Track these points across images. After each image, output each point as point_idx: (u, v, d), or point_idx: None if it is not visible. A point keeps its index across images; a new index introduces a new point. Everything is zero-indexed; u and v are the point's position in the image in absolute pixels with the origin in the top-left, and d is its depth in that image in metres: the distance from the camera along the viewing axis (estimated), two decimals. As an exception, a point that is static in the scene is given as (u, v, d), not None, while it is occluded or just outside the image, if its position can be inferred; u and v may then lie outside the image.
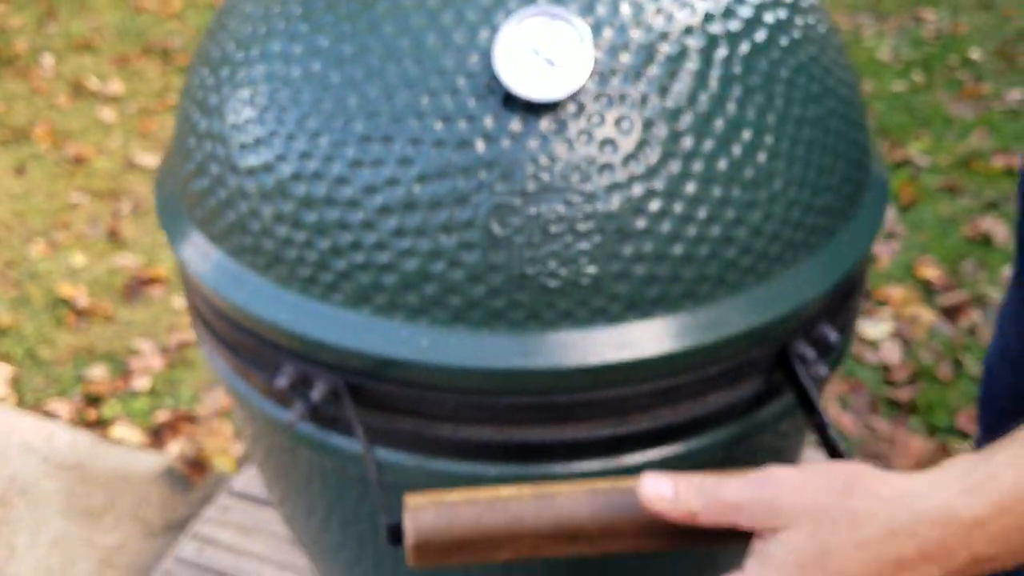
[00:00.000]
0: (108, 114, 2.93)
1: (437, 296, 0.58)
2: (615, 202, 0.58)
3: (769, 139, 0.62)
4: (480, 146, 0.57)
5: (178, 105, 0.72)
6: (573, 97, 0.57)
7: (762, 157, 0.61)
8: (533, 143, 0.57)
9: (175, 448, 1.92)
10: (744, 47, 0.62)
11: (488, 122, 0.57)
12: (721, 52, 0.61)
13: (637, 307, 0.59)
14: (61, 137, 2.83)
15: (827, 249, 0.66)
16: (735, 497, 0.50)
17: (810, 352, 0.65)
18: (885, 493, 0.47)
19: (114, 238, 2.44)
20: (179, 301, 2.26)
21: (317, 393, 0.61)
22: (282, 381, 0.62)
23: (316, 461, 0.69)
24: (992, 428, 1.02)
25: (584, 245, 0.58)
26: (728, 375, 0.64)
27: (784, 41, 0.64)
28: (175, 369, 2.09)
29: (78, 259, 2.36)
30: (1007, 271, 2.26)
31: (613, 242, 0.58)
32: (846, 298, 0.70)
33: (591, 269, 0.58)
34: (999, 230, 2.40)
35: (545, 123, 0.57)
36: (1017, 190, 0.91)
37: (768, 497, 0.49)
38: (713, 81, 0.60)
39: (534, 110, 0.57)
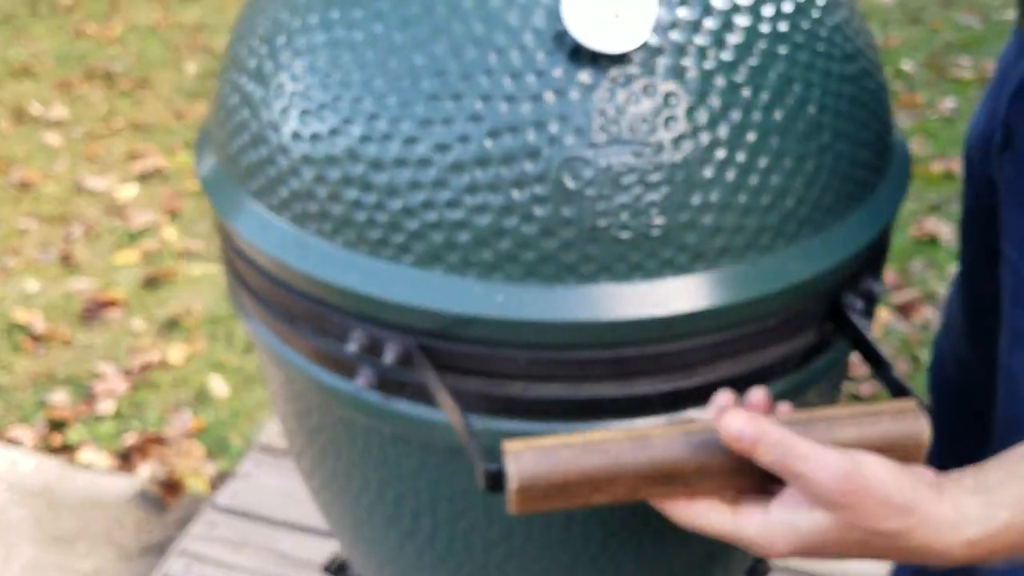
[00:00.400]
0: (53, 139, 2.87)
1: (510, 252, 0.59)
2: (683, 151, 0.59)
3: (816, 93, 0.64)
4: (550, 99, 0.58)
5: (221, 81, 0.72)
6: (639, 49, 0.59)
7: (812, 109, 0.63)
8: (602, 95, 0.58)
9: (145, 471, 1.87)
10: (787, 5, 0.64)
11: (557, 76, 0.58)
12: (768, 10, 0.63)
13: (704, 257, 0.61)
14: (5, 163, 2.76)
15: (870, 202, 0.68)
16: (799, 470, 0.53)
17: (858, 303, 0.67)
18: (911, 521, 0.53)
19: (67, 262, 2.38)
20: (138, 323, 2.21)
21: (389, 356, 0.61)
22: (352, 347, 0.62)
23: (376, 431, 0.69)
24: (939, 395, 1.09)
25: (654, 196, 0.59)
26: (785, 327, 0.65)
27: (821, 1, 0.67)
28: (139, 391, 2.05)
29: (31, 284, 2.30)
30: (954, 268, 2.34)
31: (682, 192, 0.59)
32: (880, 252, 0.72)
33: (661, 220, 0.59)
34: (943, 230, 2.48)
35: (613, 75, 0.58)
36: (963, 171, 0.96)
37: (827, 487, 0.53)
38: (763, 36, 0.62)
39: (602, 62, 0.58)
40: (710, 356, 0.63)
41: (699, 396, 0.65)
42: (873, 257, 0.69)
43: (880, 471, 0.52)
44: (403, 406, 0.65)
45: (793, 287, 0.63)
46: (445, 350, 0.61)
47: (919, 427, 0.56)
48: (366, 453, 0.72)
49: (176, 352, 2.15)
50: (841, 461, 0.52)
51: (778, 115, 0.62)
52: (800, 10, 0.65)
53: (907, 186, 0.73)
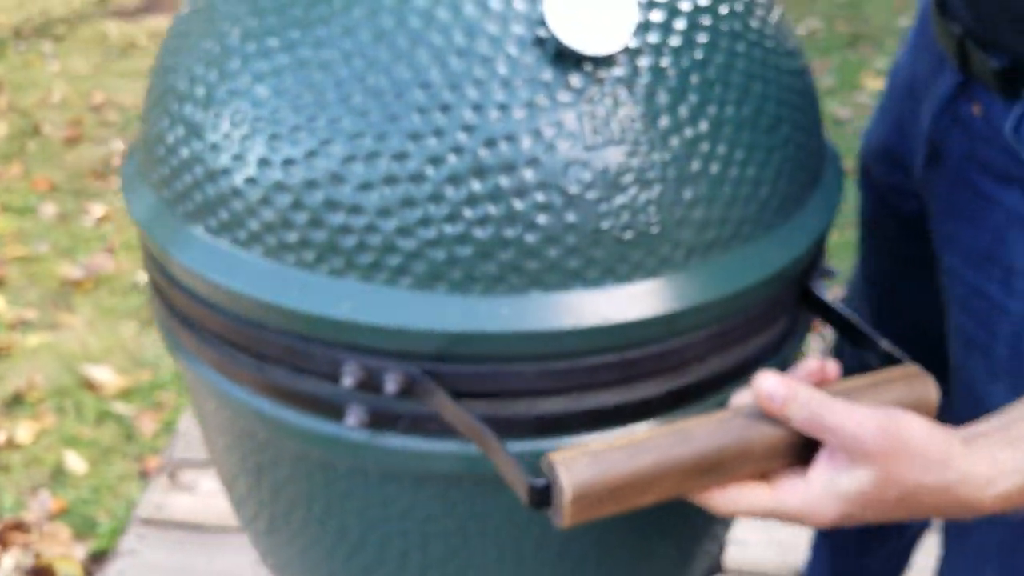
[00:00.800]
0: None
1: (514, 263, 0.57)
2: (671, 148, 0.59)
3: (773, 88, 0.66)
4: (543, 104, 0.57)
5: (154, 115, 0.67)
6: (623, 50, 0.59)
7: (772, 104, 0.65)
8: (592, 97, 0.58)
9: (9, 561, 1.72)
10: (739, 5, 0.66)
11: (547, 80, 0.57)
12: (723, 8, 0.65)
13: (696, 252, 0.61)
14: None
15: (821, 188, 0.71)
16: (833, 423, 0.54)
17: (821, 285, 0.69)
18: (950, 477, 0.54)
19: None
20: (-24, 404, 2.04)
21: (390, 387, 0.58)
22: (347, 381, 0.59)
23: (360, 472, 0.65)
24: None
25: (650, 193, 0.59)
26: (765, 316, 0.66)
27: (762, 1, 0.69)
28: (-11, 477, 1.88)
29: None
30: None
31: (674, 188, 0.59)
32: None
33: (658, 217, 0.59)
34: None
35: (600, 76, 0.58)
36: (859, 180, 1.01)
37: (863, 438, 0.53)
38: (725, 35, 0.64)
39: (587, 65, 0.58)
40: (704, 351, 0.64)
41: (695, 394, 0.65)
42: (823, 242, 0.72)
43: (915, 424, 0.53)
44: (397, 441, 0.62)
45: (775, 274, 0.64)
46: (449, 373, 0.59)
47: (928, 389, 0.58)
48: (347, 498, 0.68)
49: (24, 430, 1.99)
50: (877, 414, 0.53)
51: (747, 110, 0.63)
52: (748, 9, 0.67)
53: (843, 172, 0.76)
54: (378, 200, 0.57)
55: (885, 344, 0.63)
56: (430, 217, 0.57)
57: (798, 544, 1.52)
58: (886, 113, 0.94)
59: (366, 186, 0.57)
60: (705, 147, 0.61)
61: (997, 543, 0.84)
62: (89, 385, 2.09)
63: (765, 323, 0.67)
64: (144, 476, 1.91)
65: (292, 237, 0.59)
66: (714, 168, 0.61)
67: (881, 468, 0.53)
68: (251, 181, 0.60)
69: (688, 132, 0.60)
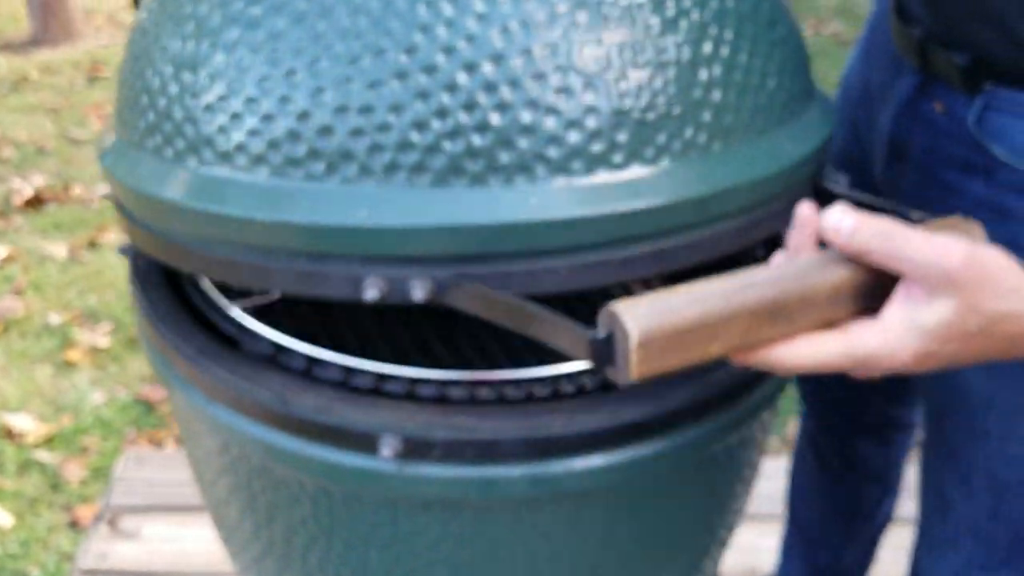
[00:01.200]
0: None
1: (536, 149, 0.55)
2: (682, 30, 0.58)
3: (767, -11, 0.65)
4: (554, -13, 0.55)
5: (133, 75, 0.63)
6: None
7: (766, 5, 0.65)
8: (598, -18, 0.56)
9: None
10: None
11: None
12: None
13: (718, 137, 0.60)
14: None
15: (818, 97, 0.71)
16: (914, 252, 0.51)
17: (840, 181, 0.69)
18: None
19: None
20: None
21: (418, 293, 0.55)
22: (371, 294, 0.55)
23: (388, 505, 0.62)
24: (813, 397, 1.17)
25: (667, 74, 0.57)
26: (787, 211, 0.65)
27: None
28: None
29: None
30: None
31: (689, 70, 0.58)
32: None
33: (678, 97, 0.58)
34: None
35: (604, -38, 0.57)
36: None
37: (948, 265, 0.51)
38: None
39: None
40: (732, 245, 0.62)
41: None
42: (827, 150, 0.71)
43: (993, 251, 0.52)
44: (431, 470, 0.60)
45: (794, 164, 0.63)
46: (477, 274, 0.55)
47: (977, 231, 0.56)
48: (373, 531, 0.64)
49: (-59, 485, 1.86)
50: (959, 241, 0.51)
51: (746, 5, 0.63)
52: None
53: (828, 97, 0.76)
54: (389, 96, 0.54)
55: (916, 214, 0.62)
56: (445, 107, 0.54)
57: (760, 547, 1.50)
58: (840, 120, 0.97)
59: (376, 83, 0.54)
60: (713, 31, 0.60)
61: (976, 513, 0.85)
62: (8, 434, 1.97)
63: (786, 220, 0.65)
64: (75, 526, 1.79)
65: (300, 150, 0.56)
66: (724, 51, 0.60)
67: (964, 296, 0.51)
68: (251, 101, 0.56)
69: (694, 16, 0.59)
